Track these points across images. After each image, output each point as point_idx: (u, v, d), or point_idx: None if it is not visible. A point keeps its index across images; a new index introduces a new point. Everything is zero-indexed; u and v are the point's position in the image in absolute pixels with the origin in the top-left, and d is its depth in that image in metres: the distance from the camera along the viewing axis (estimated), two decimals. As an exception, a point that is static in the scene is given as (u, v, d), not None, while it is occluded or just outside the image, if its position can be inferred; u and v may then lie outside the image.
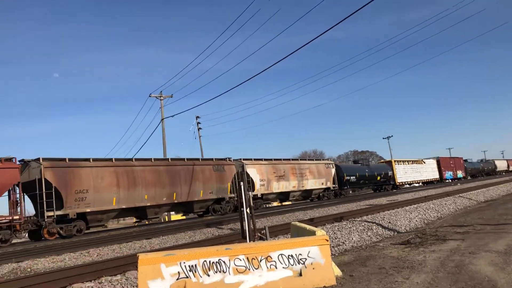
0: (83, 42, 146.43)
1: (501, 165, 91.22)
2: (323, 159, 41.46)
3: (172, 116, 48.68)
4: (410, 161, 56.04)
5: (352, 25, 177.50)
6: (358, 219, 14.28)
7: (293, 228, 7.41)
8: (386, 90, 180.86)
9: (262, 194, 31.18)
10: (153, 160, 25.07)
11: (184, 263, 5.03)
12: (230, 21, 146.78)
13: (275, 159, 33.78)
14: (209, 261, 5.18)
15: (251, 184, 29.23)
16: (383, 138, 79.79)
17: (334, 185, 38.93)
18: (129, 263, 8.12)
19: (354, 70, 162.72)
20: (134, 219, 26.24)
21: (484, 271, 6.10)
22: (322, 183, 37.30)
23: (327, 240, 5.50)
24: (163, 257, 5.01)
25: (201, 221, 21.71)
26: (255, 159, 32.21)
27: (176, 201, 24.86)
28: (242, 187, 7.11)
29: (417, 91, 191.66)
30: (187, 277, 4.94)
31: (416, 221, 14.60)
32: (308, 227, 6.58)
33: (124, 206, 22.19)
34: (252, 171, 30.51)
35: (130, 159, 24.69)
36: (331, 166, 39.39)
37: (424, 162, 58.42)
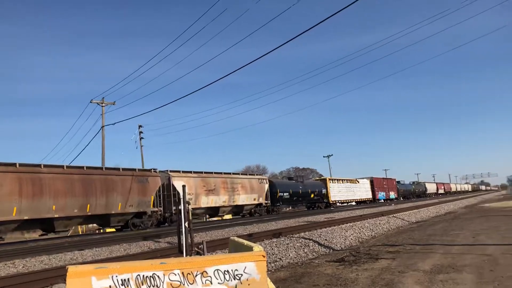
0: (27, 43, 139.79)
1: (431, 187, 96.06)
2: (258, 174, 39.07)
3: (113, 123, 47.34)
4: (344, 180, 56.33)
5: (301, 45, 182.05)
6: (296, 236, 14.48)
7: (231, 243, 7.39)
8: (329, 110, 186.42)
9: (188, 209, 29.67)
10: (65, 168, 23.18)
11: (116, 276, 4.84)
12: (181, 31, 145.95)
13: (205, 172, 32.07)
14: (143, 275, 5.02)
15: (177, 198, 26.31)
16: (324, 157, 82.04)
17: (266, 201, 37.67)
18: (58, 276, 7.75)
19: (300, 89, 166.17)
20: (40, 232, 23.40)
21: (411, 290, 6.37)
22: (254, 199, 36.02)
23: (264, 256, 5.51)
24: (94, 269, 4.81)
25: (138, 233, 21.12)
26: (183, 172, 30.73)
27: (90, 213, 23.01)
28: (182, 200, 7.02)
29: (359, 112, 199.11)
30: (118, 291, 4.77)
31: (351, 239, 15.02)
32: (246, 242, 6.57)
33: (26, 217, 20.10)
34: (179, 184, 27.20)
35: (38, 165, 22.30)
36: (265, 182, 38.13)
37: (358, 182, 58.98)
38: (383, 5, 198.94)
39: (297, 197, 43.60)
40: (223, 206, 32.56)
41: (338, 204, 53.24)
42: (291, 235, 14.64)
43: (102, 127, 37.08)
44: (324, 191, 48.82)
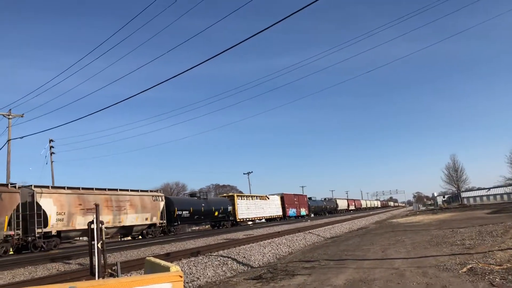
0: None
1: (342, 204, 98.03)
2: (152, 191, 34.66)
3: (21, 137, 44.19)
4: (254, 196, 54.80)
5: (224, 64, 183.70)
6: (214, 254, 14.37)
7: (147, 264, 7.15)
8: (249, 128, 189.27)
9: (59, 231, 24.90)
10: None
11: (18, 304, 4.49)
12: (97, 43, 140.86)
13: (83, 188, 27.54)
14: (49, 301, 4.69)
15: (42, 219, 23.63)
16: (244, 174, 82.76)
17: (162, 221, 33.55)
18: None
19: (221, 107, 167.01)
20: None
21: (325, 305, 6.55)
22: (147, 218, 31.89)
23: (181, 277, 5.40)
24: (-7, 298, 4.43)
25: (46, 255, 19.74)
26: (53, 187, 26.78)
27: None
28: (95, 219, 6.70)
29: (278, 131, 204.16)
30: (20, 320, 4.42)
31: (269, 256, 15.20)
32: (162, 262, 6.40)
33: None
34: (47, 202, 24.42)
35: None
36: (160, 199, 33.88)
37: (268, 198, 57.41)
38: (302, 28, 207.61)
39: (199, 216, 40.35)
40: (107, 228, 26.48)
41: (249, 222, 51.46)
42: (209, 254, 14.50)
43: (8, 140, 34.54)
44: (230, 208, 45.91)
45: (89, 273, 6.96)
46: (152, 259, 7.35)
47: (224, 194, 55.48)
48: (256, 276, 10.38)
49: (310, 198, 77.36)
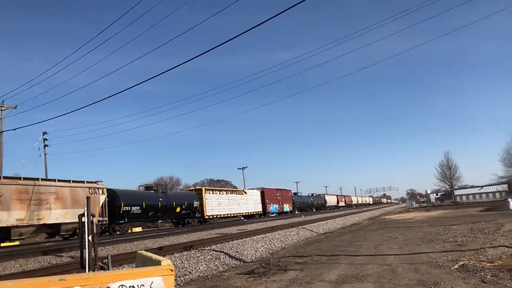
0: None
1: (331, 200, 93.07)
2: (89, 182, 27.79)
3: (14, 129, 44.03)
4: (228, 190, 50.39)
5: (216, 59, 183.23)
6: (207, 248, 14.34)
7: (138, 257, 7.11)
8: (245, 123, 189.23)
9: None
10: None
11: (6, 296, 4.42)
12: (92, 36, 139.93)
13: None
14: (38, 294, 4.63)
15: None
16: (238, 169, 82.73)
17: (102, 218, 27.82)
18: None
19: (218, 101, 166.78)
20: None
21: (317, 300, 6.55)
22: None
23: (172, 270, 5.37)
24: (-20, 290, 4.36)
25: (38, 248, 19.64)
26: None
27: None
28: (86, 212, 6.64)
29: (275, 127, 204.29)
30: (9, 312, 4.35)
31: (262, 250, 15.20)
32: (154, 256, 6.36)
33: None
34: None
35: None
36: (100, 192, 27.89)
37: (246, 193, 52.12)
38: (295, 25, 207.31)
39: (155, 212, 34.54)
40: (19, 226, 22.44)
41: (222, 219, 46.69)
42: (202, 248, 14.48)
43: (1, 132, 34.27)
44: (196, 203, 40.17)
45: (80, 266, 6.91)
46: (144, 252, 7.31)
47: (191, 188, 49.46)
48: (248, 271, 10.37)
49: (295, 193, 73.50)
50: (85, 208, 6.78)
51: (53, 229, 24.95)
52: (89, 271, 6.50)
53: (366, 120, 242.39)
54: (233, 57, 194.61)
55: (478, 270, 8.11)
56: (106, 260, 7.00)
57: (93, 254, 6.66)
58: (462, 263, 8.97)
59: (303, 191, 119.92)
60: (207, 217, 42.09)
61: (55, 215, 24.40)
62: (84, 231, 6.53)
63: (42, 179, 24.75)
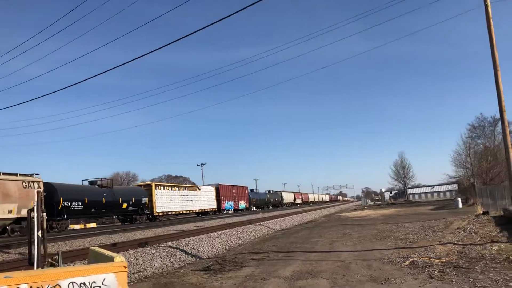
0: None
1: (288, 197, 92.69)
2: (22, 175, 24.67)
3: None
4: (180, 186, 48.19)
5: (177, 52, 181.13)
6: (163, 245, 14.17)
7: (91, 254, 6.94)
8: (204, 119, 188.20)
9: None
10: None
11: None
12: (47, 24, 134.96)
13: None
14: (-19, 292, 4.46)
15: None
16: (197, 165, 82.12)
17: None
18: None
19: (175, 96, 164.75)
20: None
21: (271, 296, 6.60)
22: (11, 211, 23.53)
23: (125, 267, 5.28)
24: None
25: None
26: None
27: None
28: (36, 207, 6.40)
29: (234, 123, 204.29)
30: None
31: (219, 247, 15.17)
32: (107, 252, 6.23)
33: None
34: None
35: None
36: (35, 186, 24.90)
37: (199, 189, 50.49)
38: (262, 20, 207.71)
39: (98, 208, 32.14)
40: None
41: (170, 215, 44.84)
42: (158, 244, 14.29)
43: None
44: (145, 199, 38.01)
45: (28, 263, 6.66)
46: (97, 249, 7.14)
47: (140, 183, 47.10)
48: (204, 268, 10.33)
49: (252, 190, 72.96)
50: (35, 203, 6.54)
51: None
52: (37, 268, 6.27)
53: (325, 118, 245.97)
54: (193, 51, 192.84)
55: (427, 266, 8.42)
56: (57, 256, 6.77)
57: (42, 250, 6.43)
58: (412, 259, 9.29)
59: (262, 188, 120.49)
60: (156, 214, 40.23)
61: None
62: (33, 227, 6.30)
63: None
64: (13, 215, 23.39)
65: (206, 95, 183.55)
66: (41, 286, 4.87)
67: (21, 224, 23.96)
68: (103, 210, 33.09)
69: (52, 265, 6.72)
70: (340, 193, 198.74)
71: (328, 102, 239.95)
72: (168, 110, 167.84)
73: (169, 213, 43.12)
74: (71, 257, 11.12)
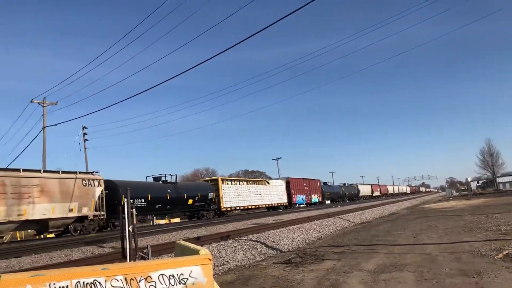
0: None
1: (365, 190, 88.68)
2: (83, 173, 25.95)
3: (55, 124, 45.43)
4: (248, 180, 47.04)
5: (250, 49, 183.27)
6: (244, 238, 14.47)
7: (177, 247, 7.26)
8: (279, 113, 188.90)
9: None
10: None
11: (54, 284, 4.62)
12: (125, 32, 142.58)
13: None
14: (83, 282, 4.83)
15: None
16: (273, 159, 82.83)
17: (99, 213, 25.35)
18: (-9, 285, 7.28)
19: (249, 92, 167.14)
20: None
21: (355, 289, 6.50)
22: (71, 209, 23.54)
23: (210, 260, 5.47)
24: (30, 278, 4.57)
25: (81, 239, 20.35)
26: None
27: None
28: (126, 204, 6.82)
29: (302, 117, 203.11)
30: (56, 300, 4.55)
31: (299, 240, 15.20)
32: (192, 246, 6.48)
33: None
34: None
35: None
36: (95, 183, 25.21)
37: (268, 183, 48.98)
38: (332, 11, 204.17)
39: (162, 205, 31.62)
40: None
41: (238, 210, 44.01)
42: (239, 238, 14.62)
43: (44, 128, 35.52)
44: (211, 194, 37.24)
45: (121, 256, 7.11)
46: (182, 242, 7.46)
47: (207, 178, 46.85)
48: (285, 261, 10.40)
49: (325, 183, 70.08)
50: (125, 200, 6.97)
51: (39, 226, 22.80)
52: (130, 260, 6.68)
53: (404, 108, 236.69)
54: (265, 47, 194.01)
55: (523, 259, 7.84)
56: (146, 250, 7.17)
57: (133, 244, 6.83)
58: (506, 252, 8.69)
59: (338, 181, 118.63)
60: (224, 209, 39.36)
61: (40, 210, 21.85)
62: (125, 223, 6.72)
63: (24, 170, 22.01)
64: (74, 214, 23.75)
65: (279, 90, 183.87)
66: (134, 277, 5.18)
67: (84, 223, 24.49)
68: (168, 207, 32.67)
69: (142, 258, 7.13)
70: (422, 184, 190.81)
71: (407, 90, 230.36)
72: (244, 106, 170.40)
73: (237, 208, 42.44)
74: (158, 251, 11.70)
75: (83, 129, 47.35)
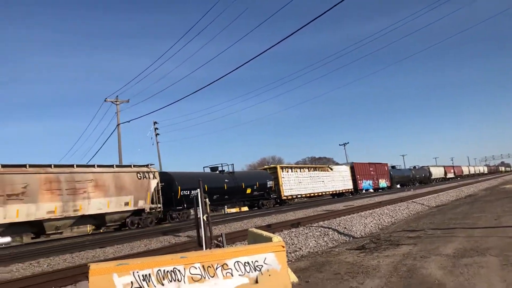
0: (33, 44, 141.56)
1: (437, 172, 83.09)
2: (137, 166, 25.69)
3: (129, 121, 47.69)
4: (310, 167, 45.44)
5: (307, 36, 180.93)
6: (314, 225, 14.43)
7: (250, 235, 7.38)
8: (344, 98, 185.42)
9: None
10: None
11: (137, 272, 4.89)
12: (187, 28, 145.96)
13: (3, 166, 19.38)
14: (164, 270, 5.06)
15: None
16: (340, 145, 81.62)
17: (155, 205, 25.24)
18: (81, 273, 7.84)
19: (308, 80, 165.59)
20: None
21: (434, 275, 6.28)
22: (127, 203, 23.57)
23: (283, 247, 5.51)
24: (116, 266, 4.85)
25: (158, 228, 21.30)
26: None
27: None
28: (199, 194, 7.03)
29: (369, 100, 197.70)
30: (140, 287, 4.81)
31: (371, 226, 14.92)
32: (264, 233, 6.57)
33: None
34: None
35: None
36: (150, 176, 25.22)
37: (331, 169, 46.96)
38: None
39: (220, 195, 30.80)
40: (53, 219, 20.50)
41: (299, 199, 42.42)
42: (309, 225, 14.60)
43: (118, 125, 37.35)
44: (270, 183, 35.99)
45: (197, 244, 7.35)
46: (255, 230, 7.58)
47: (266, 166, 45.63)
48: (358, 246, 10.25)
49: (393, 167, 66.55)
50: (197, 191, 7.17)
51: (96, 220, 23.08)
52: (206, 248, 6.89)
53: (478, 83, 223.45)
54: (321, 33, 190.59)
55: None
56: (221, 238, 7.36)
57: (208, 233, 7.04)
58: None
59: (410, 164, 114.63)
60: (284, 197, 38.02)
61: (96, 204, 22.07)
62: (199, 212, 6.93)
63: (78, 165, 22.48)
64: (130, 208, 23.76)
65: (342, 74, 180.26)
66: (211, 265, 5.35)
67: (141, 216, 24.44)
68: (226, 197, 31.99)
69: (217, 246, 7.32)
70: (502, 164, 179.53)
71: (479, 66, 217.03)
72: (308, 92, 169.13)
73: (299, 196, 41.04)
74: (232, 238, 11.98)
75: (154, 124, 49.22)
